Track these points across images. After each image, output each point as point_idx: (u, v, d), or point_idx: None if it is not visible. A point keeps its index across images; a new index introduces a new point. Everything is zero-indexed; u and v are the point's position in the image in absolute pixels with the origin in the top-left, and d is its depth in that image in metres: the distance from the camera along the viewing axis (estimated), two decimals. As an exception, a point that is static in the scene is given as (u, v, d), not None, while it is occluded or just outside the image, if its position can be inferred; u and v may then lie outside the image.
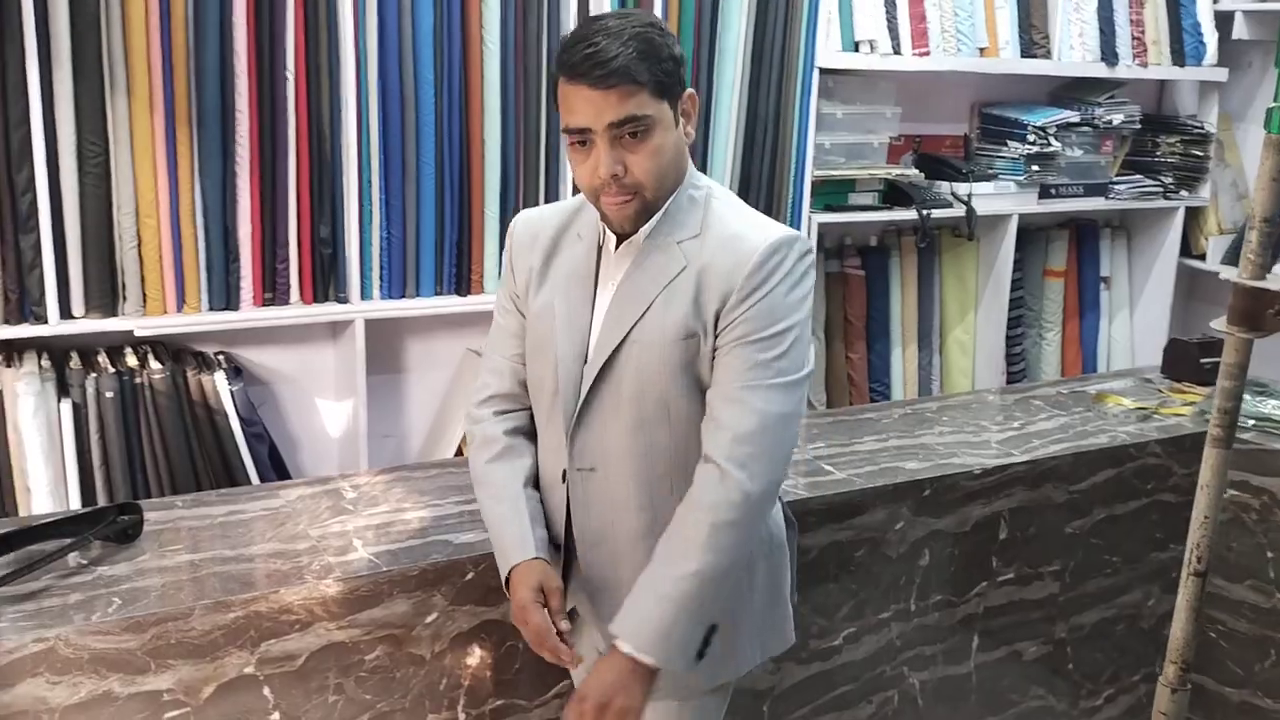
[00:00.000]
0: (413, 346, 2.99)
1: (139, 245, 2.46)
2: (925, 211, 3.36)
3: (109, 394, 2.44)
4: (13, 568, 1.73)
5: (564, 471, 1.63)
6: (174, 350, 2.63)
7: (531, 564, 1.61)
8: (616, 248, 1.60)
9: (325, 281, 2.67)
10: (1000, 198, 3.58)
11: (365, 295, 2.72)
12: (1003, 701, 2.53)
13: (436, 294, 2.82)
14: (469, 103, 2.74)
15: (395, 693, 1.87)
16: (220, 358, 2.64)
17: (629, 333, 1.55)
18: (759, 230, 1.56)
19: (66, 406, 2.43)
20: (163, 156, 2.44)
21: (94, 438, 2.45)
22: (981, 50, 3.40)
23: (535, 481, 1.70)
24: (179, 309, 2.53)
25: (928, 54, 3.28)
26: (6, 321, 2.37)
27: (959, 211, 3.47)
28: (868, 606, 2.30)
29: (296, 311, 2.65)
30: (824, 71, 3.19)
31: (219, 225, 2.52)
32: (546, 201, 2.88)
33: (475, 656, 1.93)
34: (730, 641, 1.65)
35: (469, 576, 1.88)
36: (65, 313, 2.43)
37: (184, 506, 2.11)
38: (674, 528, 1.54)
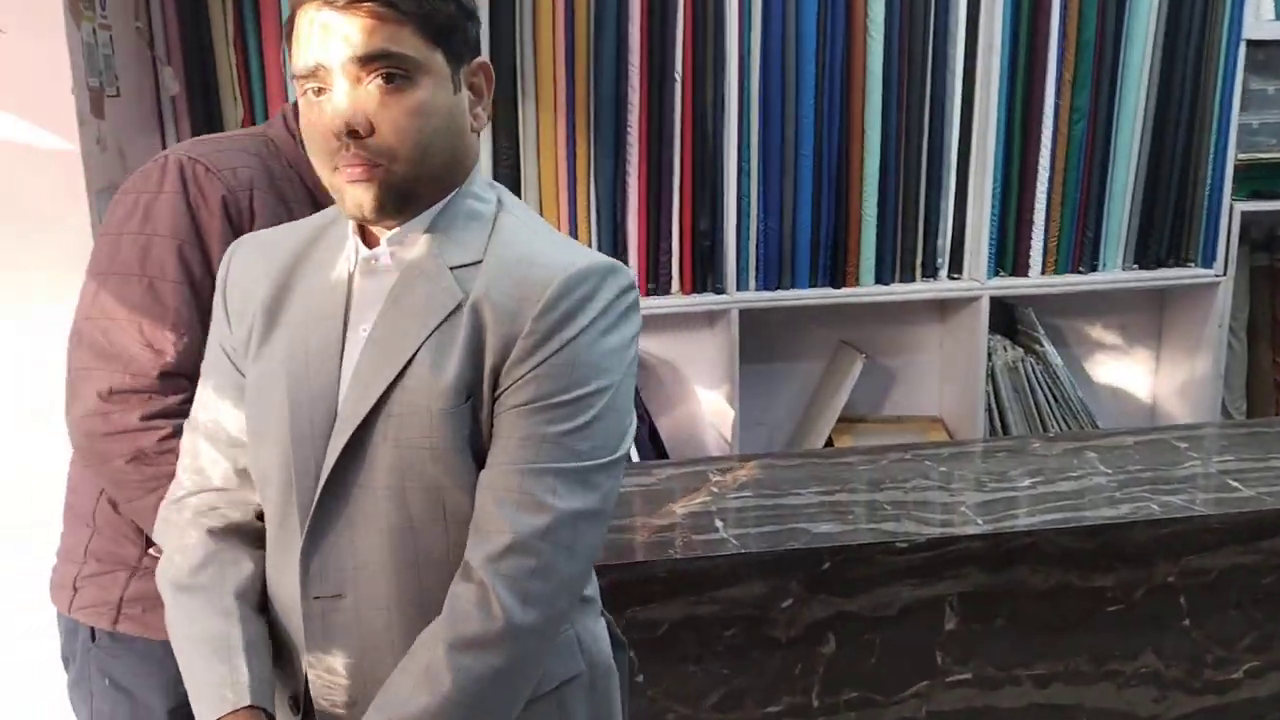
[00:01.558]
0: (786, 337, 3.04)
1: (540, 238, 2.70)
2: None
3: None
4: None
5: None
6: (568, 335, 2.85)
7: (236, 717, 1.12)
8: (356, 264, 1.16)
9: (704, 272, 2.78)
10: None
11: (741, 286, 2.80)
12: None
13: (811, 285, 2.84)
14: (850, 96, 2.73)
15: (750, 671, 1.92)
16: (607, 343, 2.84)
17: (384, 397, 1.10)
18: (560, 254, 1.13)
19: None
20: (563, 157, 2.66)
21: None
22: None
23: (257, 596, 1.21)
24: (573, 297, 2.74)
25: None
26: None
27: None
28: (1276, 640, 2.05)
29: (676, 301, 2.78)
30: (1251, 44, 2.85)
31: (610, 220, 2.71)
32: (929, 203, 2.81)
33: (830, 645, 1.94)
34: None
35: (825, 566, 1.89)
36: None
37: (568, 478, 2.29)
38: (410, 655, 1.10)
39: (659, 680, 1.90)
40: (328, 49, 1.06)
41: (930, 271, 2.86)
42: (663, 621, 1.88)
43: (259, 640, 1.17)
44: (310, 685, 1.16)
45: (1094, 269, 2.90)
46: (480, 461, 1.11)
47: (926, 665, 1.96)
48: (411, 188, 1.11)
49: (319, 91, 1.08)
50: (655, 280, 2.76)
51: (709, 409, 2.99)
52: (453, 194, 1.16)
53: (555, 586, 1.09)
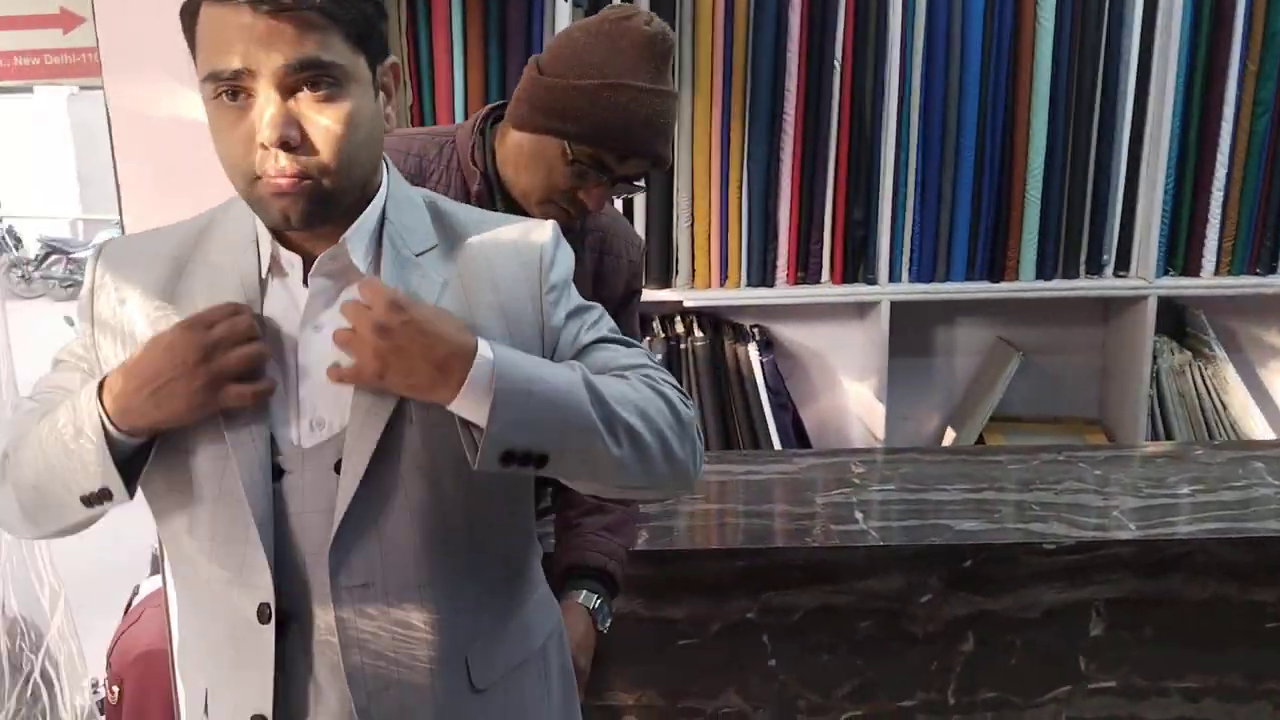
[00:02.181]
0: (939, 331, 2.98)
1: (692, 225, 2.72)
2: None
3: (658, 356, 2.74)
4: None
5: (262, 610, 1.08)
6: (715, 321, 2.87)
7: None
8: (307, 276, 1.09)
9: (855, 262, 2.75)
10: None
11: (894, 277, 2.76)
12: None
13: (967, 279, 2.78)
14: (1016, 83, 2.65)
15: (884, 664, 1.91)
16: (754, 330, 2.84)
17: (403, 401, 1.07)
18: (514, 219, 1.19)
19: (625, 364, 2.77)
20: (717, 144, 2.68)
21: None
22: None
23: None
24: (721, 284, 2.76)
25: None
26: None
27: None
28: None
29: (826, 291, 2.76)
30: None
31: (761, 208, 2.71)
32: (1097, 195, 2.71)
33: (969, 644, 1.91)
34: None
35: (967, 564, 1.87)
36: (629, 282, 2.76)
37: (710, 462, 2.32)
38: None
39: (792, 666, 1.91)
40: (252, 55, 0.99)
41: (1095, 268, 2.76)
42: (798, 608, 1.89)
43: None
44: (345, 678, 1.10)
45: (1273, 270, 2.75)
46: None
47: (1069, 670, 1.91)
48: (339, 199, 1.05)
49: (235, 94, 1.01)
50: (805, 269, 2.75)
51: (855, 401, 2.96)
52: (379, 192, 1.12)
53: (694, 423, 1.15)
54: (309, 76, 1.01)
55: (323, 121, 1.02)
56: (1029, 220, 2.72)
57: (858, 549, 1.87)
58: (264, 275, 1.10)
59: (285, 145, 1.00)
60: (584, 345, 1.15)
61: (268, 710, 1.09)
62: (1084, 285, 2.74)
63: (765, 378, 2.76)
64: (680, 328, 2.81)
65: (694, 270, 2.76)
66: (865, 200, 2.70)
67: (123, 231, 2.26)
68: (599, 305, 1.22)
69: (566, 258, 1.18)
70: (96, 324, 1.13)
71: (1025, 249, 2.74)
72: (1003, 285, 2.76)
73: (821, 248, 2.74)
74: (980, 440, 2.84)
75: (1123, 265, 2.75)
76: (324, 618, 1.09)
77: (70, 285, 11.04)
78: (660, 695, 1.91)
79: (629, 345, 1.18)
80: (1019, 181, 2.71)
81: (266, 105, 1.00)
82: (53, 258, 11.65)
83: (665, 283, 2.76)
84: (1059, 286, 2.74)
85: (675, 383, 1.16)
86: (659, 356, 2.73)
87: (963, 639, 1.90)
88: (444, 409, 1.03)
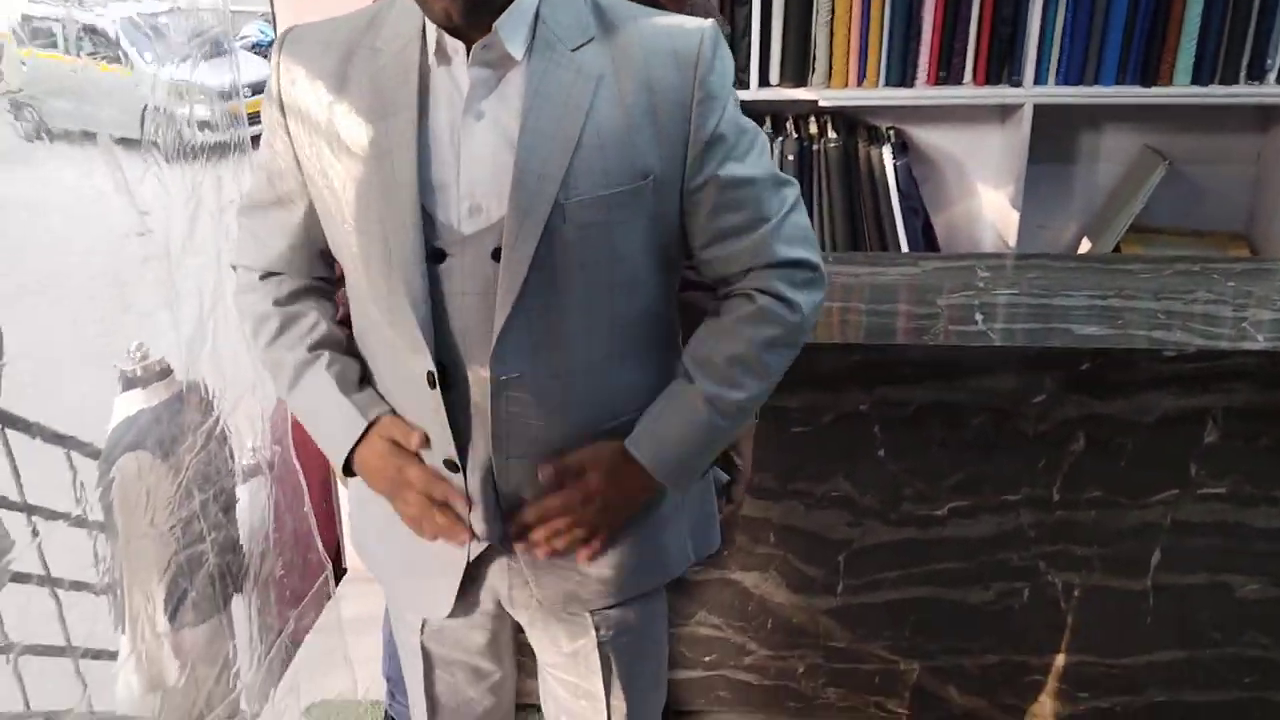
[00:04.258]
0: (1083, 137, 2.89)
1: (831, 20, 2.67)
2: None
3: (790, 157, 2.75)
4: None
5: (430, 376, 1.18)
6: (850, 122, 2.84)
7: (369, 438, 1.26)
8: (469, 57, 1.12)
9: (1000, 63, 2.67)
10: None
11: (1040, 80, 2.67)
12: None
13: (1118, 83, 2.67)
14: None
15: (993, 460, 1.98)
16: (890, 132, 2.81)
17: (564, 183, 1.11)
18: (676, 19, 1.17)
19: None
20: (861, -66, 2.59)
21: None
22: None
23: (331, 339, 1.31)
24: (859, 83, 2.72)
25: None
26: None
27: None
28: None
29: (968, 92, 2.70)
30: None
31: (904, 2, 2.63)
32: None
33: (1079, 444, 1.95)
34: (659, 541, 1.34)
35: (1084, 367, 1.89)
36: (764, 81, 2.75)
37: (835, 262, 2.36)
38: (709, 346, 1.24)
39: (901, 457, 1.99)
40: None
41: (1256, 74, 2.62)
42: (911, 403, 1.95)
43: (345, 367, 1.28)
44: (489, 445, 1.21)
45: None
46: (657, 226, 1.17)
47: (1179, 475, 1.95)
48: None
49: None
50: (947, 69, 2.68)
51: (989, 208, 2.93)
52: None
53: (819, 274, 1.24)
54: None
55: None
56: (1189, 20, 2.58)
57: (976, 349, 1.90)
58: (429, 62, 1.14)
59: None
60: (716, 181, 1.17)
61: (454, 453, 1.21)
62: (1242, 92, 2.61)
63: (898, 181, 2.75)
64: (814, 128, 2.79)
65: (831, 68, 2.72)
66: (1015, -4, 2.59)
67: (273, 23, 2.36)
68: (752, 128, 1.20)
69: (725, 63, 1.17)
70: (284, 104, 1.21)
71: (1182, 51, 2.61)
72: (1155, 90, 2.65)
73: (966, 46, 2.66)
74: (1117, 251, 2.79)
75: (1288, 70, 2.60)
76: (481, 393, 1.18)
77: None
78: (772, 478, 2.03)
79: (757, 187, 1.19)
80: (1183, -23, 2.56)
81: None
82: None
83: (801, 81, 2.73)
84: (1215, 93, 2.62)
85: (802, 231, 1.22)
86: (791, 157, 2.74)
87: (1073, 439, 1.95)
88: (598, 210, 1.12)
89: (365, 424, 1.25)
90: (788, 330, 1.22)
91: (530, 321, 1.15)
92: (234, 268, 1.36)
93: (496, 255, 1.14)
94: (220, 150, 1.82)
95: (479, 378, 1.18)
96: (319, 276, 1.33)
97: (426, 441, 1.22)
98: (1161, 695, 2.12)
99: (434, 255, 1.15)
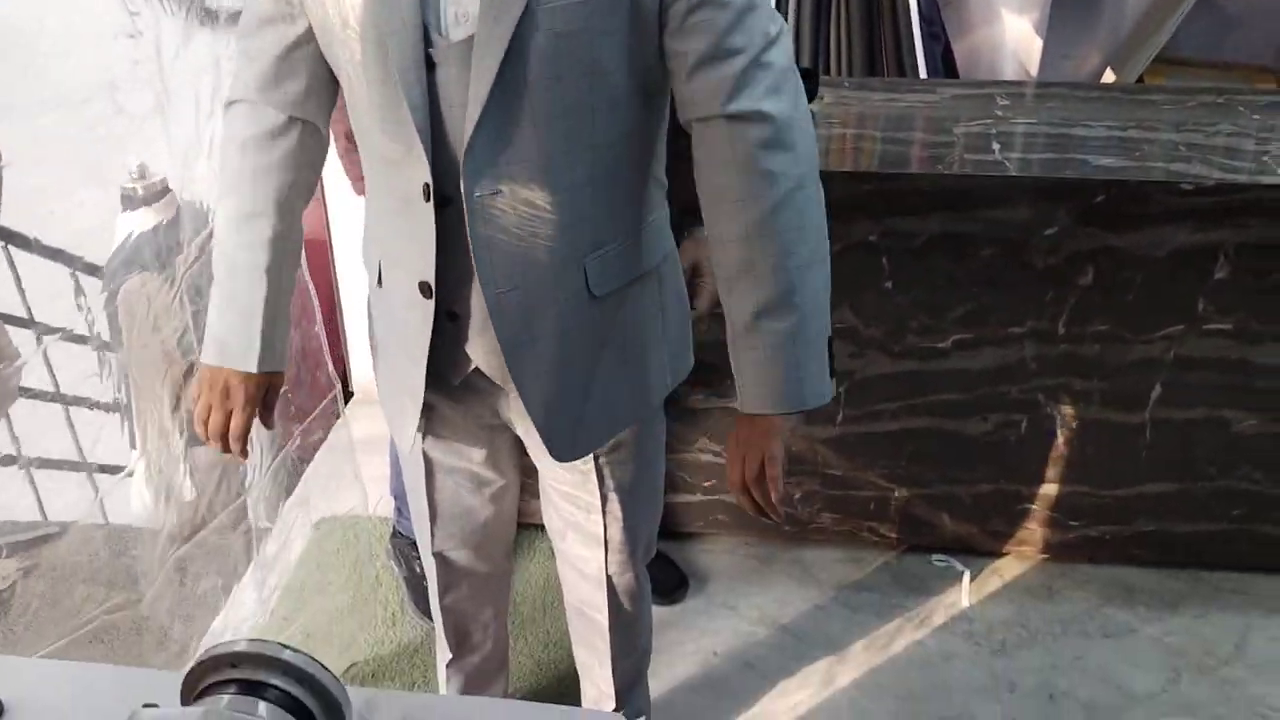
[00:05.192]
0: (1114, -40, 2.77)
1: None
2: None
3: (805, -23, 2.64)
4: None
5: (425, 189, 1.16)
6: (871, -61, 2.71)
7: (250, 377, 1.30)
8: None
9: (1032, -123, 2.53)
10: None
11: (1073, -104, 2.54)
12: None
13: (1155, -99, 2.54)
14: None
15: (999, 292, 1.97)
16: (913, -49, 2.69)
17: (531, 8, 1.06)
18: None
19: (771, -17, 2.68)
20: None
21: (791, 13, 2.69)
22: None
23: (293, 212, 1.30)
24: (882, -104, 2.59)
25: None
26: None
27: None
28: None
29: (996, -92, 2.57)
30: None
31: None
32: None
33: (1088, 277, 1.94)
34: (644, 379, 1.35)
35: (1098, 199, 1.86)
36: (782, -108, 2.61)
37: (850, 87, 2.29)
38: (730, 263, 1.18)
39: (908, 288, 1.98)
40: None
41: (1304, -108, 2.48)
42: (920, 234, 1.93)
43: (281, 302, 1.30)
44: (476, 273, 1.20)
45: None
46: (636, 44, 1.12)
47: (1185, 310, 1.94)
48: None
49: None
50: (975, -118, 2.55)
51: (1013, 35, 2.83)
52: None
53: (794, 81, 1.14)
54: None
55: None
56: None
57: (989, 178, 1.87)
58: None
59: None
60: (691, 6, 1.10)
61: (430, 278, 1.20)
62: (1287, -89, 2.48)
63: (919, 5, 2.64)
64: (833, -55, 2.67)
65: (853, -120, 2.58)
66: None
67: None
68: None
69: None
70: None
71: None
72: (1194, -90, 2.52)
73: None
74: (1140, 82, 2.71)
75: (1338, -111, 2.46)
76: (468, 209, 1.16)
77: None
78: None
79: (734, 11, 1.10)
80: None
81: None
82: None
83: (821, -106, 2.60)
84: (1258, -88, 2.48)
85: (773, 68, 1.12)
86: (807, -25, 2.63)
87: (1082, 272, 1.93)
88: (574, 17, 1.07)
89: (254, 370, 1.29)
90: (777, 135, 1.13)
91: (502, 134, 1.12)
92: (228, 104, 1.30)
93: None
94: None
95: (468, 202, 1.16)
96: (293, 98, 1.27)
97: (243, 441, 1.31)
98: (1151, 525, 2.17)
99: (428, 64, 1.12)
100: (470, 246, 1.18)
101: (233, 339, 1.29)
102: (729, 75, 1.11)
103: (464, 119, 1.12)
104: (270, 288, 1.28)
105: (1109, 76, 2.82)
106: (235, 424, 1.31)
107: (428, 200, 1.17)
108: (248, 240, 1.27)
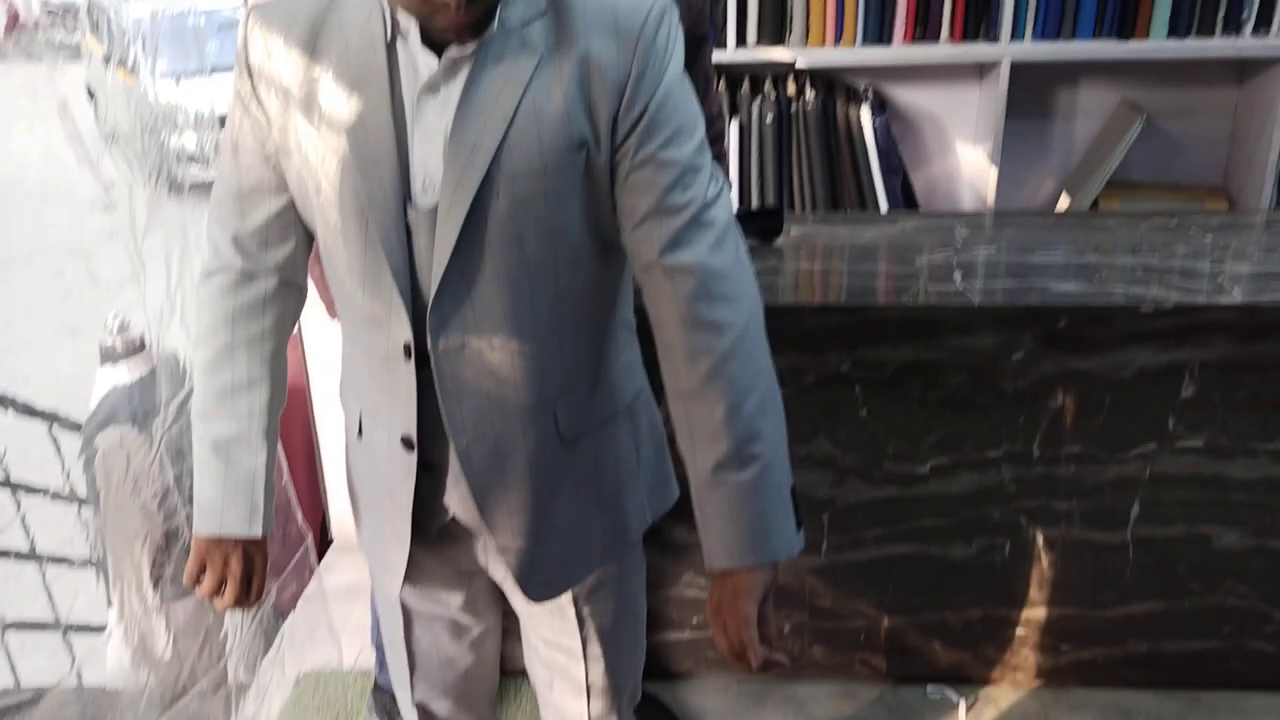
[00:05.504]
0: (1060, 93, 2.89)
1: (807, -22, 2.65)
2: None
3: (769, 118, 2.74)
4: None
5: (406, 347, 1.19)
6: (828, 82, 2.83)
7: (241, 544, 1.32)
8: (424, 39, 1.12)
9: (977, 18, 2.66)
10: None
11: (1017, 35, 2.66)
12: None
13: (1095, 36, 2.67)
14: None
15: (973, 417, 1.99)
16: (868, 91, 2.80)
17: (496, 156, 1.11)
18: None
19: (734, 127, 2.77)
20: (837, -110, 2.57)
21: (754, 155, 2.79)
22: None
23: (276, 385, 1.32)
24: (836, 42, 2.71)
25: None
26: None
27: None
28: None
29: (945, 50, 2.69)
30: None
31: (880, -41, 2.62)
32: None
33: (1058, 400, 1.97)
34: (620, 515, 1.36)
35: (1061, 324, 1.90)
36: (741, 41, 2.73)
37: (814, 222, 2.36)
38: (686, 417, 1.19)
39: (882, 416, 2.00)
40: None
41: (1233, 25, 2.62)
42: (891, 362, 1.96)
43: (273, 463, 1.31)
44: (445, 424, 1.21)
45: None
46: (587, 204, 1.16)
47: (1157, 428, 1.96)
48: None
49: None
50: (924, 26, 2.67)
51: (967, 165, 2.93)
52: None
53: (734, 236, 1.17)
54: None
55: None
56: (1169, -28, 2.58)
57: (954, 308, 1.91)
58: (388, 39, 1.13)
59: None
60: (644, 159, 1.14)
61: (413, 432, 1.22)
62: (1219, 45, 2.61)
63: (877, 139, 2.74)
64: (792, 88, 2.78)
65: (808, 27, 2.70)
66: (991, -49, 2.58)
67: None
68: (692, 112, 1.17)
69: (668, 39, 1.14)
70: (254, 74, 1.20)
71: (1159, 3, 2.60)
72: (1132, 44, 2.65)
73: (942, 3, 2.65)
74: (1095, 206, 2.80)
75: (1263, 24, 2.60)
76: (434, 363, 1.18)
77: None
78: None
79: (684, 174, 1.15)
80: (1161, -71, 2.55)
81: None
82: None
83: (778, 40, 2.72)
84: (1192, 46, 2.61)
85: (711, 225, 1.15)
86: (770, 118, 2.73)
87: (1052, 395, 1.96)
88: (532, 182, 1.11)
89: (260, 534, 1.30)
90: (757, 319, 1.19)
91: (468, 291, 1.15)
92: (207, 274, 1.32)
93: None
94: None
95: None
96: (279, 263, 1.30)
97: (243, 598, 1.33)
98: (1142, 646, 2.15)
99: (406, 230, 1.15)
100: (439, 399, 1.20)
101: (232, 508, 1.29)
102: (670, 230, 1.15)
103: (430, 278, 1.15)
104: (269, 452, 1.30)
105: (1064, 201, 2.92)
106: (255, 589, 1.33)
107: (409, 358, 1.19)
108: (245, 409, 1.29)
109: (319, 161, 1.17)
